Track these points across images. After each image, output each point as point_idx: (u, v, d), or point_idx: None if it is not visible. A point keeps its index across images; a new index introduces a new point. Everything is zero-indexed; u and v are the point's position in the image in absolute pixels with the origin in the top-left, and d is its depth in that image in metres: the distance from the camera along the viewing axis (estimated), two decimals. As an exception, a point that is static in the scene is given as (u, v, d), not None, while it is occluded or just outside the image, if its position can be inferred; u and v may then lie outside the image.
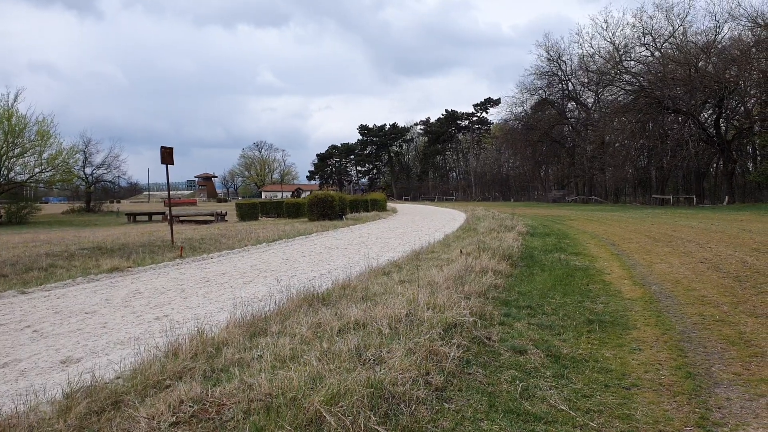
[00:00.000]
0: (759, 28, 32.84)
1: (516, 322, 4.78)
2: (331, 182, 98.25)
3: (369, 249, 11.77)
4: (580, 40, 69.89)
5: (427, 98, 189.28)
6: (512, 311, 5.21)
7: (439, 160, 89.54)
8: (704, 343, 4.28)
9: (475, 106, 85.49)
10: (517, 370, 3.59)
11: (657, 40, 40.46)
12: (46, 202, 65.60)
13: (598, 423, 2.86)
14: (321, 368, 3.24)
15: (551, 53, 52.41)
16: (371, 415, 2.69)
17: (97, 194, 53.14)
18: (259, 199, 60.25)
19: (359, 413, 2.67)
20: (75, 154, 42.97)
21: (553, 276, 7.40)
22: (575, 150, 53.50)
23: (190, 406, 2.84)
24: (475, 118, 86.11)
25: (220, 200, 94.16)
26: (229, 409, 2.80)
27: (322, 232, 17.26)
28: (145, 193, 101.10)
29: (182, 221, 27.65)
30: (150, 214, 35.72)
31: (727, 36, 36.84)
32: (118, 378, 3.57)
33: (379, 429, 2.61)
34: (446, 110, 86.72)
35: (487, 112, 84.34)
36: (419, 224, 21.45)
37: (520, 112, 59.02)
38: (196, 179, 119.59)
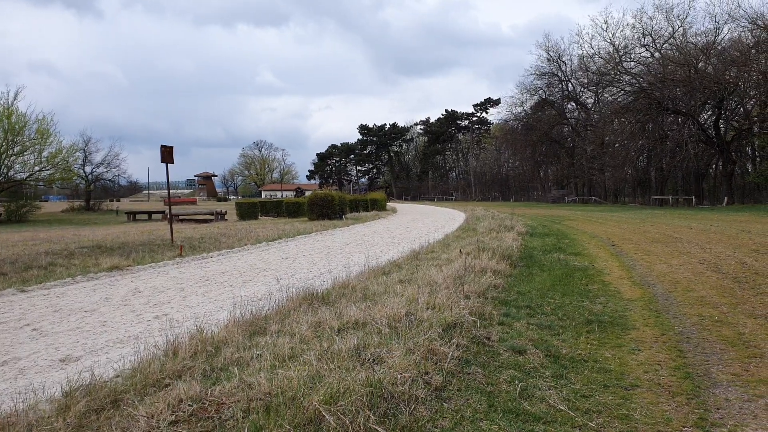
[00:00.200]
0: (759, 30, 32.85)
1: (515, 322, 4.79)
2: (331, 182, 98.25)
3: (368, 248, 11.77)
4: (580, 40, 70.19)
5: (427, 98, 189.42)
6: (511, 311, 5.22)
7: (438, 160, 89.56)
8: (703, 344, 4.28)
9: (474, 106, 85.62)
10: (516, 370, 3.59)
11: (657, 41, 40.49)
12: (46, 201, 65.53)
13: (597, 423, 2.87)
14: (320, 368, 3.24)
15: (551, 53, 52.48)
16: (370, 415, 2.69)
17: (96, 193, 53.16)
18: (259, 198, 60.18)
19: (358, 412, 2.68)
20: (75, 152, 43.01)
21: (553, 276, 7.41)
22: (575, 150, 53.53)
23: (189, 405, 2.84)
24: (474, 118, 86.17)
25: (219, 199, 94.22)
26: (228, 408, 2.81)
27: (321, 231, 17.26)
28: (144, 191, 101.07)
29: (182, 220, 27.66)
30: (150, 213, 35.73)
31: (726, 37, 36.91)
32: (118, 377, 3.57)
33: (379, 428, 2.62)
34: (446, 110, 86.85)
35: (486, 112, 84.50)
36: (419, 224, 21.45)
37: (520, 113, 59.11)
38: (196, 178, 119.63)
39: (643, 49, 41.73)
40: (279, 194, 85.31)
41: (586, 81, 50.67)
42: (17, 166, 37.43)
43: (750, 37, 34.31)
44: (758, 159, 38.65)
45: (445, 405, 3.02)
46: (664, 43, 40.23)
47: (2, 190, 36.10)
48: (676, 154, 35.37)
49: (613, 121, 42.94)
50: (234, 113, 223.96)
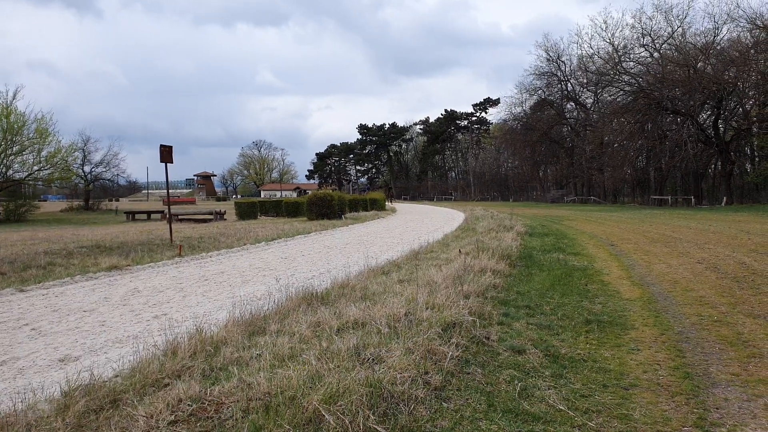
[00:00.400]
0: (758, 30, 32.88)
1: (515, 322, 4.79)
2: (330, 182, 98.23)
3: (368, 248, 11.77)
4: (580, 40, 70.37)
5: (427, 98, 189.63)
6: (511, 311, 5.22)
7: (438, 159, 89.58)
8: (702, 344, 4.28)
9: (474, 106, 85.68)
10: (515, 370, 3.59)
11: (656, 41, 40.51)
12: (45, 200, 65.48)
13: (596, 423, 2.87)
14: (320, 367, 3.24)
15: (550, 53, 52.51)
16: (370, 415, 2.69)
17: (95, 192, 53.12)
18: (258, 198, 60.16)
19: (358, 412, 2.67)
20: (74, 152, 42.98)
21: (552, 276, 7.41)
22: (574, 150, 53.56)
23: (188, 404, 2.83)
24: (474, 118, 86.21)
25: (219, 199, 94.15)
26: (227, 408, 2.80)
27: (321, 231, 17.25)
28: (144, 191, 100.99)
29: (181, 220, 27.64)
30: (149, 213, 35.71)
31: (726, 37, 36.94)
32: (117, 376, 3.56)
33: (378, 428, 2.61)
34: (445, 110, 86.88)
35: (486, 112, 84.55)
36: (418, 224, 21.45)
37: (519, 113, 59.12)
38: (195, 178, 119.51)
39: (642, 49, 41.81)
40: (278, 194, 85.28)
41: (585, 81, 50.71)
42: (16, 165, 37.43)
43: (749, 38, 34.37)
44: (757, 159, 38.69)
45: (445, 405, 3.02)
46: (663, 43, 40.26)
47: (1, 189, 36.04)
48: (675, 154, 35.40)
49: (612, 121, 42.97)
50: (233, 113, 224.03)
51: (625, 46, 43.31)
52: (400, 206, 45.41)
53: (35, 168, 37.96)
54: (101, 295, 6.87)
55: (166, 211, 17.85)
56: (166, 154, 12.12)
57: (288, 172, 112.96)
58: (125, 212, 36.75)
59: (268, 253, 11.60)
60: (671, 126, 37.56)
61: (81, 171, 49.07)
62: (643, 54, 41.91)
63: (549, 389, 3.29)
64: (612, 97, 45.05)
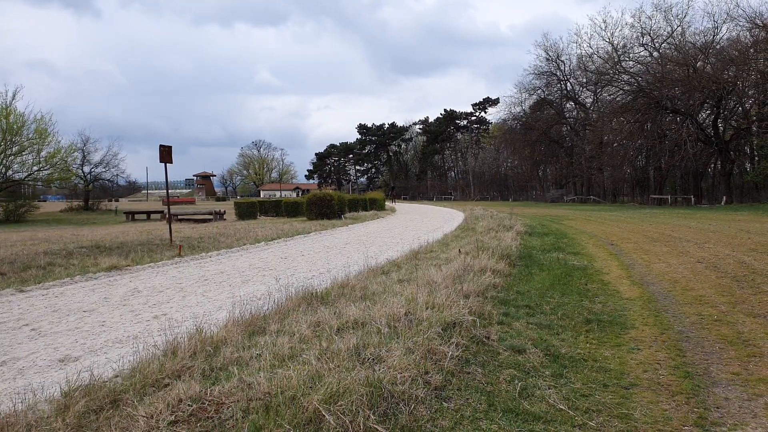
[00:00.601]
0: (757, 29, 32.87)
1: (515, 322, 4.79)
2: (330, 181, 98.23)
3: (368, 248, 11.77)
4: (579, 40, 70.27)
5: (426, 98, 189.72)
6: (511, 310, 5.22)
7: (437, 159, 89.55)
8: (702, 343, 4.28)
9: (473, 105, 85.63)
10: (515, 370, 3.59)
11: (655, 40, 40.51)
12: (45, 201, 65.44)
13: (597, 422, 2.87)
14: (320, 367, 3.23)
15: (550, 53, 52.47)
16: (370, 414, 2.69)
17: (95, 192, 53.03)
18: (258, 198, 60.14)
19: (358, 412, 2.67)
20: (73, 152, 42.95)
21: (552, 275, 7.41)
22: (573, 150, 53.54)
23: (188, 404, 2.83)
24: (473, 118, 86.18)
25: (218, 199, 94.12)
26: (228, 408, 2.80)
27: (320, 231, 17.25)
28: (143, 191, 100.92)
29: (181, 220, 27.63)
30: (148, 213, 35.71)
31: (725, 36, 36.94)
32: (117, 377, 3.56)
33: (379, 428, 2.61)
34: (445, 110, 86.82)
35: (485, 112, 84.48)
36: (418, 223, 21.45)
37: (519, 112, 59.10)
38: (195, 178, 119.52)
39: (641, 49, 41.80)
40: (278, 194, 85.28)
41: (584, 80, 50.68)
42: (15, 165, 37.40)
43: (748, 37, 34.35)
44: (757, 158, 38.64)
45: (445, 404, 3.02)
46: (662, 43, 40.26)
47: (1, 189, 36.02)
48: (674, 154, 35.38)
49: (611, 120, 42.95)
50: (232, 112, 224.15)
51: (624, 46, 43.37)
52: (400, 206, 45.41)
53: (35, 168, 37.98)
54: (101, 296, 6.87)
55: (166, 211, 17.85)
56: (166, 154, 12.11)
57: (287, 172, 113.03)
58: (125, 212, 36.73)
59: (267, 253, 11.59)
60: (671, 125, 37.56)
61: (80, 171, 49.04)
62: (642, 53, 41.96)
63: (549, 389, 3.29)
64: (611, 96, 45.04)
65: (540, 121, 54.44)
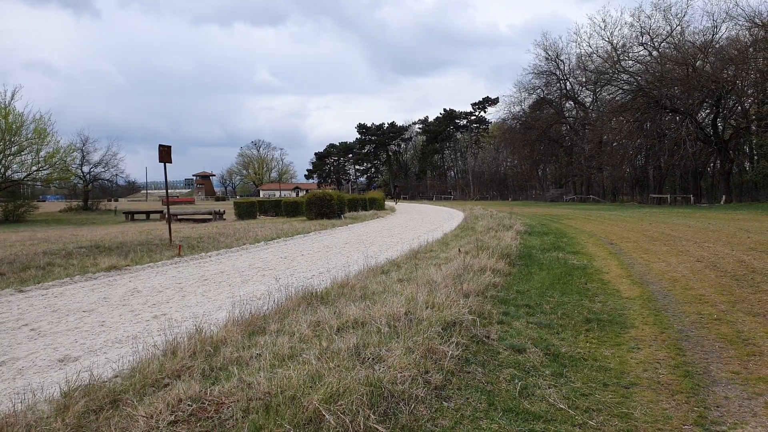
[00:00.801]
0: (756, 28, 32.89)
1: (515, 321, 4.79)
2: (330, 181, 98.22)
3: (367, 248, 11.77)
4: (578, 39, 70.29)
5: (425, 98, 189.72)
6: (511, 310, 5.22)
7: (437, 159, 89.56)
8: (702, 342, 4.29)
9: (473, 105, 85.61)
10: (516, 369, 3.59)
11: (655, 39, 40.51)
12: (44, 201, 65.39)
13: (597, 422, 2.87)
14: (320, 367, 3.23)
15: (549, 52, 52.52)
16: (370, 414, 2.68)
17: (94, 192, 52.98)
18: (258, 197, 60.12)
19: (358, 412, 2.67)
20: (72, 152, 42.89)
21: (552, 275, 7.41)
22: (573, 149, 53.57)
23: (188, 404, 2.83)
24: (473, 118, 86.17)
25: (218, 199, 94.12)
26: (228, 408, 2.80)
27: (320, 230, 17.24)
28: (142, 191, 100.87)
29: (180, 220, 27.62)
30: (148, 213, 35.70)
31: (724, 36, 36.96)
32: (117, 377, 3.55)
33: (379, 428, 2.61)
34: (444, 109, 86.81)
35: (485, 112, 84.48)
36: (417, 223, 21.45)
37: (518, 112, 59.12)
38: (194, 178, 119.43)
39: (641, 48, 41.81)
40: (277, 194, 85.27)
41: (584, 80, 50.69)
42: (15, 166, 37.33)
43: (748, 36, 34.38)
44: (756, 157, 38.66)
45: (445, 404, 3.02)
46: (662, 42, 40.27)
47: (0, 190, 36.00)
48: (674, 153, 35.40)
49: (611, 119, 42.95)
50: (232, 112, 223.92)
51: (623, 45, 43.36)
52: (399, 206, 45.41)
53: (34, 168, 37.92)
54: (100, 296, 6.86)
55: (166, 211, 17.84)
56: (165, 154, 12.10)
57: (287, 172, 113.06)
58: (124, 212, 36.71)
59: (267, 252, 11.59)
60: (670, 124, 37.57)
61: (80, 171, 48.98)
62: (641, 52, 41.96)
63: (549, 388, 3.29)
64: (611, 95, 45.05)
65: (539, 120, 54.47)
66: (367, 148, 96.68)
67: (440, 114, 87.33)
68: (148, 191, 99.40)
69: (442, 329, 4.06)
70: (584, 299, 5.90)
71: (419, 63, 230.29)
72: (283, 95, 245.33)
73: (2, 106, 35.27)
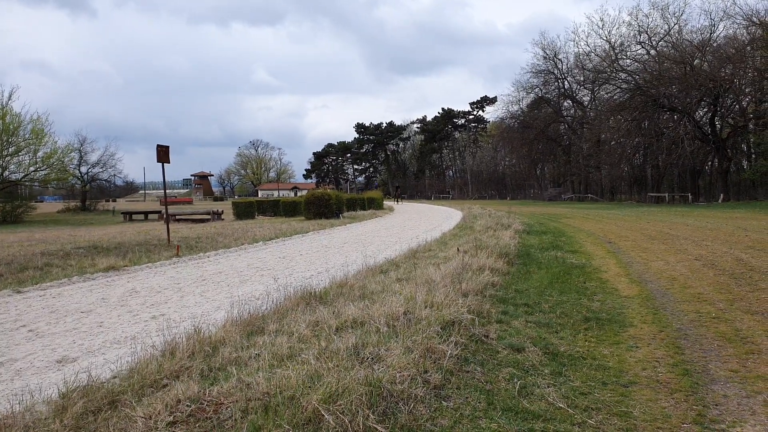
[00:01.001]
0: (754, 27, 32.96)
1: (513, 320, 4.79)
2: (328, 181, 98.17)
3: (366, 247, 11.76)
4: (576, 38, 70.33)
5: (424, 97, 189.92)
6: (510, 309, 5.22)
7: (435, 158, 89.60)
8: (701, 341, 4.29)
9: (471, 104, 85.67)
10: (515, 368, 3.59)
11: (653, 38, 40.61)
12: (42, 201, 65.26)
13: (596, 420, 2.87)
14: (319, 367, 3.23)
15: (547, 51, 52.60)
16: (370, 414, 2.68)
17: (92, 193, 52.88)
18: (256, 197, 60.06)
19: (358, 412, 2.67)
20: (70, 152, 42.74)
21: (550, 274, 7.42)
22: (571, 148, 53.63)
23: (187, 405, 2.82)
24: (471, 117, 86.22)
25: (216, 199, 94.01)
26: (226, 408, 2.79)
27: (318, 230, 17.23)
28: (140, 191, 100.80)
29: (178, 220, 27.58)
30: (146, 213, 35.63)
31: (722, 34, 37.09)
32: (115, 377, 3.55)
33: (378, 427, 2.61)
34: (442, 108, 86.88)
35: (483, 111, 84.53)
36: (416, 222, 21.45)
37: (517, 111, 59.18)
38: (193, 178, 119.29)
39: (638, 47, 41.94)
40: (276, 193, 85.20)
41: (582, 79, 50.80)
42: (12, 166, 37.20)
43: (745, 34, 34.48)
44: (753, 155, 38.78)
45: (444, 403, 3.02)
46: (659, 41, 40.37)
47: (-2, 190, 35.92)
48: (672, 152, 35.46)
49: (609, 118, 43.03)
50: (230, 112, 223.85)
51: (621, 44, 43.47)
52: (398, 205, 45.41)
53: (31, 169, 37.80)
54: (99, 296, 6.85)
55: (164, 211, 17.83)
56: (163, 154, 12.08)
57: (285, 172, 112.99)
58: (122, 213, 36.64)
59: (265, 252, 11.58)
60: (668, 123, 37.63)
61: (77, 172, 48.83)
62: (639, 51, 42.09)
63: (548, 387, 3.29)
64: (609, 94, 45.13)
65: (537, 119, 54.55)
66: (365, 147, 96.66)
67: (438, 113, 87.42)
68: (147, 191, 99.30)
69: (441, 328, 4.06)
70: (583, 298, 5.90)
71: (417, 62, 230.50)
72: (282, 95, 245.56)
73: (0, 106, 35.18)
